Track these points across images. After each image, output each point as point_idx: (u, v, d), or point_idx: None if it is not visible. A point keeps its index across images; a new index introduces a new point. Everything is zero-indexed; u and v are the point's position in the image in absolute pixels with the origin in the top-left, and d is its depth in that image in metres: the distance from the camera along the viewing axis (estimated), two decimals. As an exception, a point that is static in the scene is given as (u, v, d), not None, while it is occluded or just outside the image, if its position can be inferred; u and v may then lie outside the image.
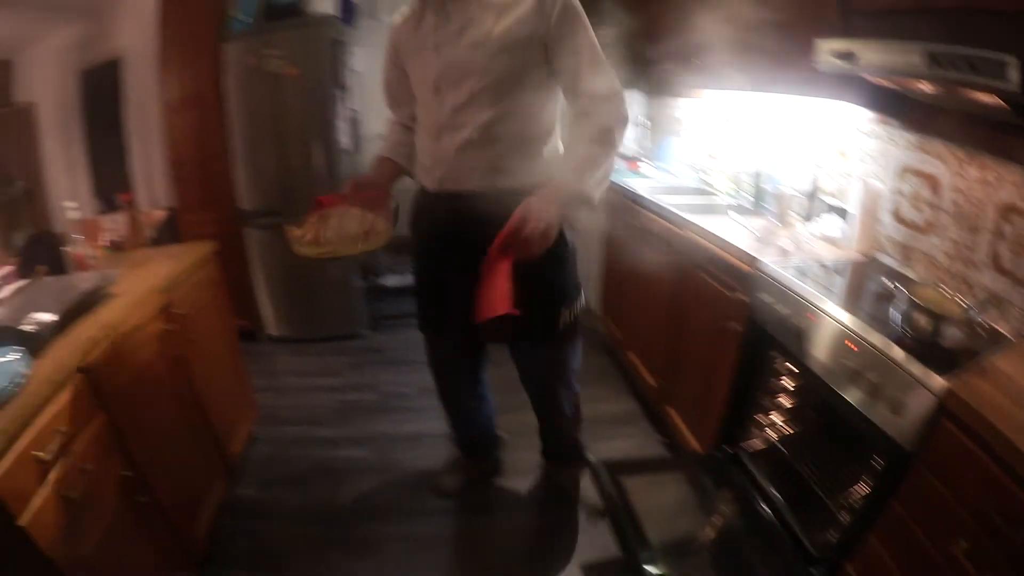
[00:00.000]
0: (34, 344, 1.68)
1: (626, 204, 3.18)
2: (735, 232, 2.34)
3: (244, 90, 3.73)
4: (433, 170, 1.82)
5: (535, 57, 1.65)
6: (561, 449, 2.52)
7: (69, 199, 4.84)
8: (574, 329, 2.02)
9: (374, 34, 3.74)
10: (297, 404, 3.28)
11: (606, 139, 1.62)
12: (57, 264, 2.60)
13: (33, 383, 1.49)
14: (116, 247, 2.68)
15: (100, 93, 4.86)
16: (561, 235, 1.71)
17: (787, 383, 2.04)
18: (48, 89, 4.75)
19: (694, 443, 2.50)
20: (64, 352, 1.68)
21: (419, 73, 1.80)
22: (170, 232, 3.94)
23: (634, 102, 4.04)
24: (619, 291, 3.44)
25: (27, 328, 1.71)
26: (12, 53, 4.69)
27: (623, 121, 1.67)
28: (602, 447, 2.64)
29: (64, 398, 1.55)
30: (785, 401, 2.09)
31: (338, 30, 3.67)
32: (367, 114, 4.15)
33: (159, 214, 4.27)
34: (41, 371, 1.56)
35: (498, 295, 1.40)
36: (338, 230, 1.67)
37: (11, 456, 1.32)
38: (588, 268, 3.76)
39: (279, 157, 3.82)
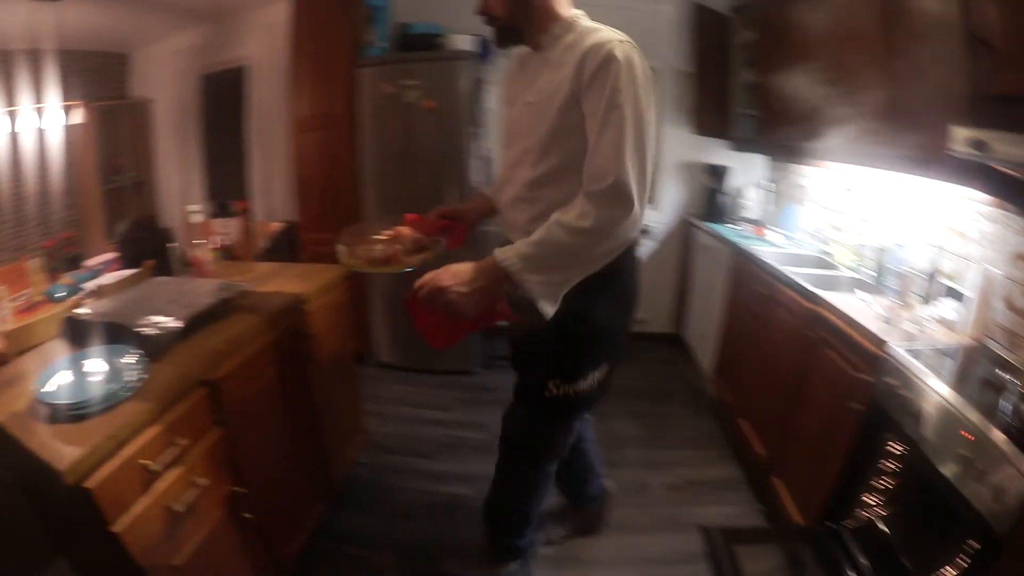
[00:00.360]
0: (153, 349, 1.64)
1: (751, 270, 3.13)
2: (861, 310, 2.31)
3: (378, 116, 3.74)
4: (500, 219, 1.86)
5: (576, 119, 1.50)
6: (489, 527, 2.29)
7: (181, 198, 5.01)
8: (565, 409, 1.80)
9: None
10: (403, 433, 3.22)
11: (573, 231, 1.40)
12: (162, 259, 2.60)
13: (150, 390, 1.48)
14: (227, 252, 2.56)
15: (220, 98, 4.89)
16: (575, 310, 1.56)
17: (893, 464, 2.00)
18: (166, 88, 4.85)
19: (796, 515, 2.45)
20: (187, 362, 1.66)
21: (500, 124, 1.88)
22: (287, 246, 4.05)
23: (756, 165, 4.07)
24: (737, 355, 3.32)
25: (147, 331, 1.67)
26: (129, 48, 4.89)
27: (607, 222, 1.40)
28: (701, 512, 2.61)
29: (182, 409, 1.54)
30: (888, 481, 2.04)
31: (477, 67, 3.62)
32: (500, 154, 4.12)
33: (275, 226, 4.28)
34: (159, 378, 1.54)
35: (428, 331, 1.56)
36: (367, 250, 1.74)
37: (115, 461, 1.31)
38: (705, 329, 3.72)
39: (408, 187, 3.79)
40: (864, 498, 2.09)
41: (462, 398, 3.60)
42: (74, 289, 3.53)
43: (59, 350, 1.80)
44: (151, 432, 1.43)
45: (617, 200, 1.39)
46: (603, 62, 1.40)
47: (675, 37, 3.93)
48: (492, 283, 1.42)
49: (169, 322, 1.72)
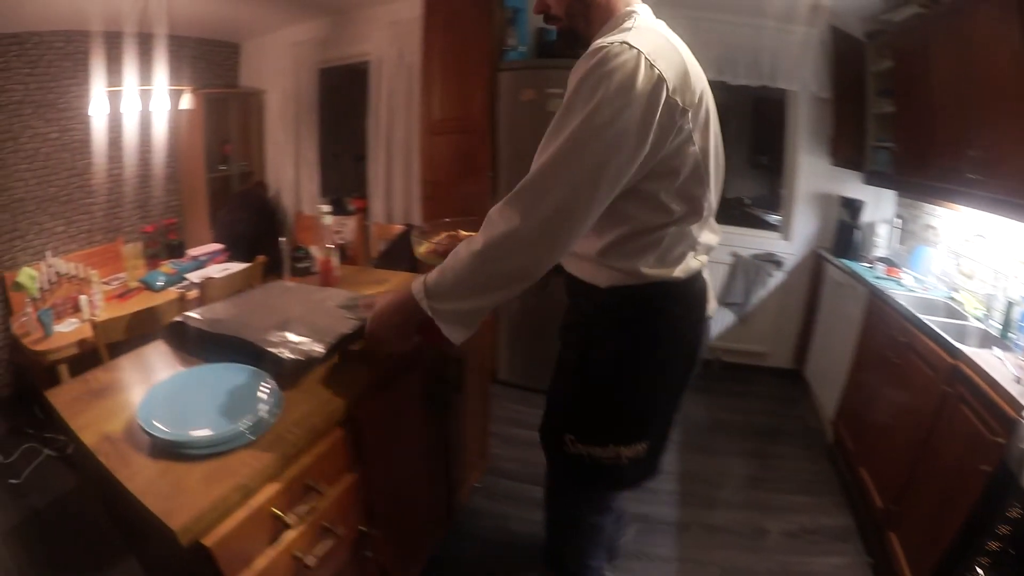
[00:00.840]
0: (287, 375, 1.42)
1: (888, 314, 2.91)
2: (997, 367, 2.16)
3: (516, 123, 3.46)
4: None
5: None
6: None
7: (293, 192, 4.81)
8: (586, 473, 1.59)
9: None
10: (522, 458, 2.99)
11: (468, 255, 1.24)
12: (274, 253, 2.50)
13: (284, 427, 1.28)
14: (341, 252, 2.33)
15: (339, 93, 4.75)
16: (590, 358, 1.45)
17: (1011, 529, 1.89)
18: (280, 79, 4.71)
19: (907, 573, 2.31)
20: (322, 393, 1.44)
21: None
22: (407, 252, 3.68)
23: (887, 200, 3.82)
24: (865, 401, 3.10)
25: (283, 354, 1.43)
26: (241, 38, 4.81)
27: (491, 243, 1.20)
28: (813, 561, 2.49)
29: (321, 449, 1.33)
30: (1003, 545, 1.92)
31: None
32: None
33: (395, 228, 4.04)
34: (295, 413, 1.34)
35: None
36: (434, 242, 1.75)
37: (241, 513, 1.11)
38: (828, 369, 3.51)
39: None
40: (978, 561, 2.00)
41: (583, 424, 3.25)
42: (175, 279, 3.39)
43: (161, 358, 1.63)
44: (288, 474, 1.23)
45: (505, 219, 1.18)
46: (587, 59, 1.16)
47: (811, 60, 3.69)
48: (409, 314, 1.32)
49: (309, 344, 1.48)
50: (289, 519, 1.21)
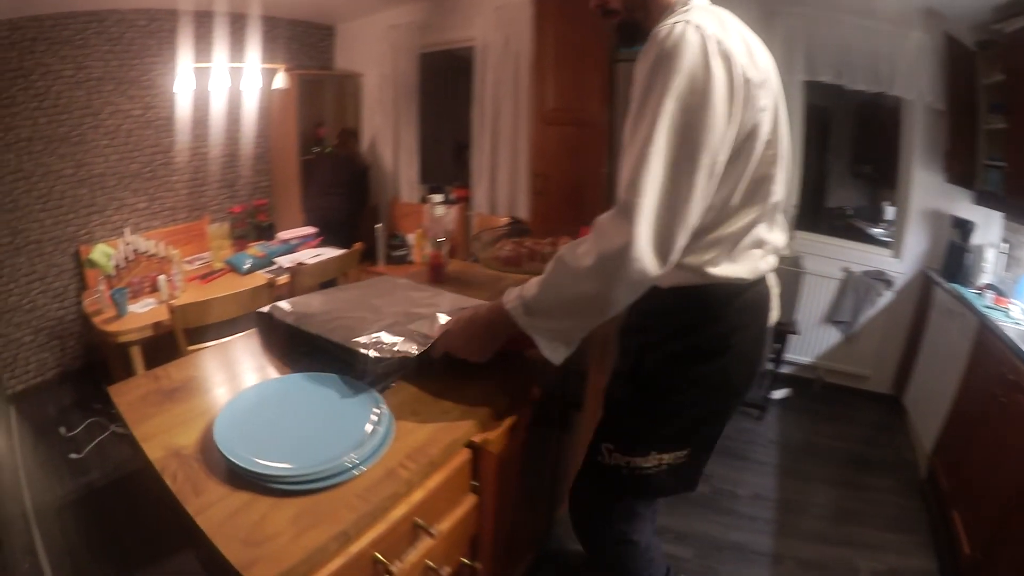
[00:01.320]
0: (372, 375, 1.26)
1: (999, 347, 2.70)
2: None
3: None
4: None
5: None
6: None
7: (391, 177, 4.64)
8: (618, 484, 1.50)
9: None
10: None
11: (574, 273, 1.14)
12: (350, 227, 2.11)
13: (397, 458, 1.07)
14: (437, 242, 2.10)
15: (441, 79, 4.61)
16: (648, 367, 1.35)
17: None
18: (377, 63, 4.56)
19: None
20: (444, 419, 1.24)
21: None
22: None
23: (996, 223, 3.53)
24: (966, 439, 2.89)
25: (373, 354, 1.25)
26: (336, 20, 4.70)
27: (607, 261, 1.08)
28: None
29: (436, 482, 1.11)
30: None
31: None
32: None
33: (499, 221, 3.78)
34: (410, 443, 1.12)
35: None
36: (498, 249, 1.75)
37: (337, 562, 0.90)
38: (930, 399, 3.30)
39: None
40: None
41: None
42: (263, 262, 3.21)
43: (247, 356, 1.45)
44: (392, 517, 1.01)
45: (618, 230, 1.07)
46: (648, 47, 1.11)
47: (926, 68, 3.46)
48: (500, 331, 1.27)
49: (403, 345, 1.31)
50: (394, 568, 1.01)
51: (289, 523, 0.89)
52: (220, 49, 3.81)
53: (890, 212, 3.87)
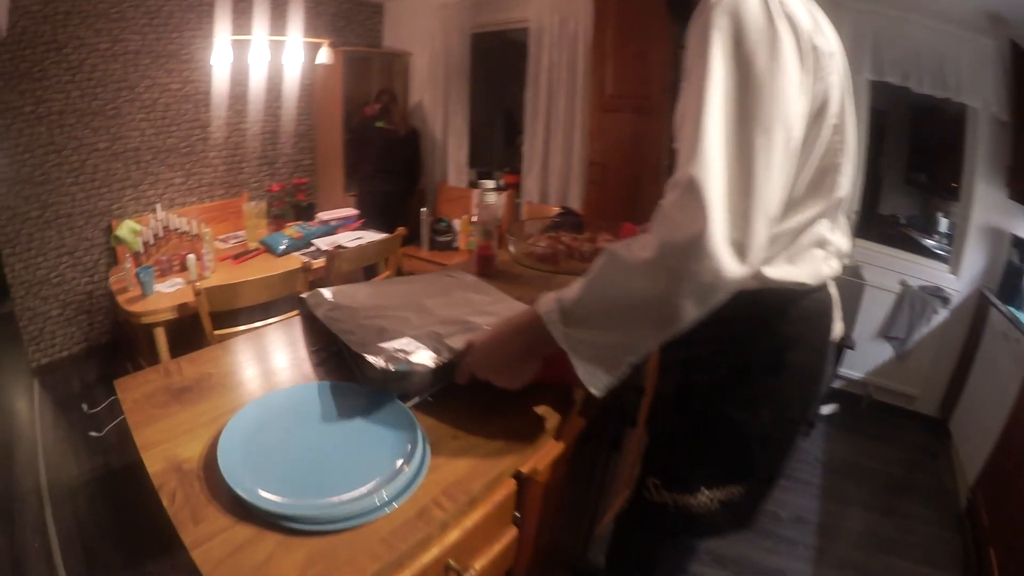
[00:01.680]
0: (380, 385, 1.08)
1: None
2: None
3: None
4: None
5: None
6: None
7: (439, 160, 4.51)
8: (662, 523, 1.33)
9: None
10: None
11: (629, 267, 0.90)
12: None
13: (431, 494, 0.90)
14: (484, 227, 1.91)
15: (493, 60, 4.54)
16: (691, 385, 1.20)
17: None
18: (427, 42, 4.43)
19: None
20: (487, 447, 1.05)
21: None
22: None
23: None
24: (1010, 473, 2.77)
25: (380, 364, 1.05)
26: None
27: (676, 253, 0.84)
28: None
29: (475, 520, 0.93)
30: None
31: None
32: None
33: (550, 210, 3.77)
34: (447, 476, 0.94)
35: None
36: (531, 245, 1.67)
37: None
38: (978, 426, 3.20)
39: None
40: None
41: (730, 456, 3.09)
42: (300, 243, 3.10)
43: (274, 351, 1.30)
44: (423, 561, 0.84)
45: (687, 215, 0.82)
46: (701, 9, 0.90)
47: (992, 76, 3.30)
48: (533, 344, 1.02)
49: (422, 356, 1.11)
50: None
51: (299, 568, 0.74)
52: (261, 22, 3.70)
53: (943, 224, 3.78)
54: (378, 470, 0.87)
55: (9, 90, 2.93)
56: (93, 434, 2.65)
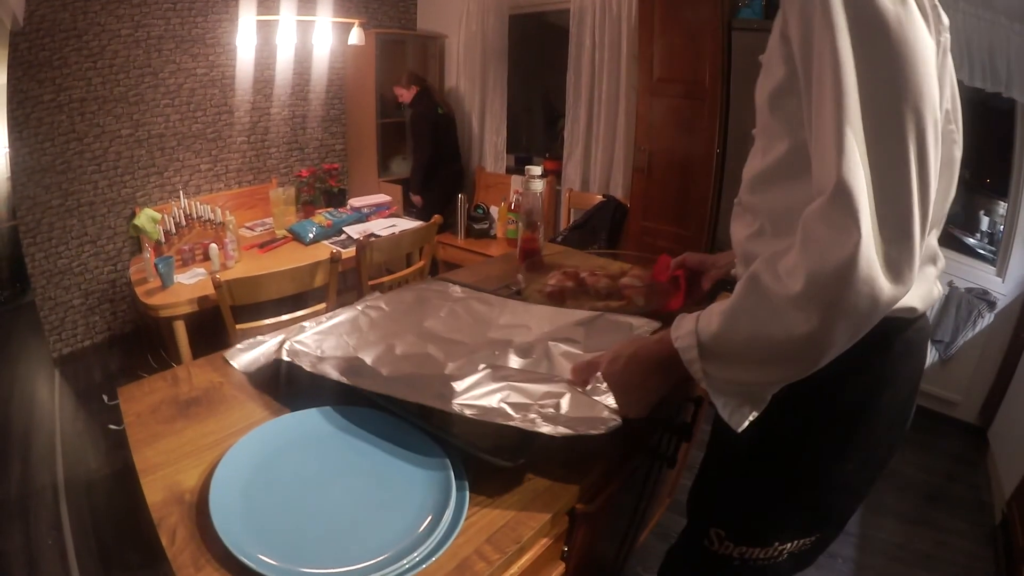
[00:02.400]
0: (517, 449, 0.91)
1: None
2: None
3: (751, 94, 2.87)
4: None
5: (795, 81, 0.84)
6: None
7: (477, 146, 4.40)
8: (726, 572, 1.17)
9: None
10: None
11: (775, 299, 0.75)
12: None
13: (472, 543, 0.78)
14: (528, 218, 1.80)
15: (532, 43, 4.42)
16: (776, 428, 0.97)
17: None
18: (463, 24, 4.32)
19: None
20: (536, 484, 0.93)
21: None
22: (605, 227, 3.56)
23: None
24: None
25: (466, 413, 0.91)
26: None
27: (828, 281, 0.70)
28: None
29: (522, 563, 0.84)
30: None
31: None
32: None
33: (593, 198, 3.70)
34: (492, 522, 0.83)
35: None
36: (543, 282, 1.56)
37: None
38: (1018, 438, 3.19)
39: None
40: None
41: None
42: (330, 231, 3.01)
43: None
44: None
45: (837, 233, 0.68)
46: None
47: None
48: (668, 373, 0.94)
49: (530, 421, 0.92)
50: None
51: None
52: (288, 2, 3.60)
53: (985, 222, 3.65)
54: (406, 521, 0.76)
55: (28, 79, 2.88)
56: (113, 427, 2.60)
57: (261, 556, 0.67)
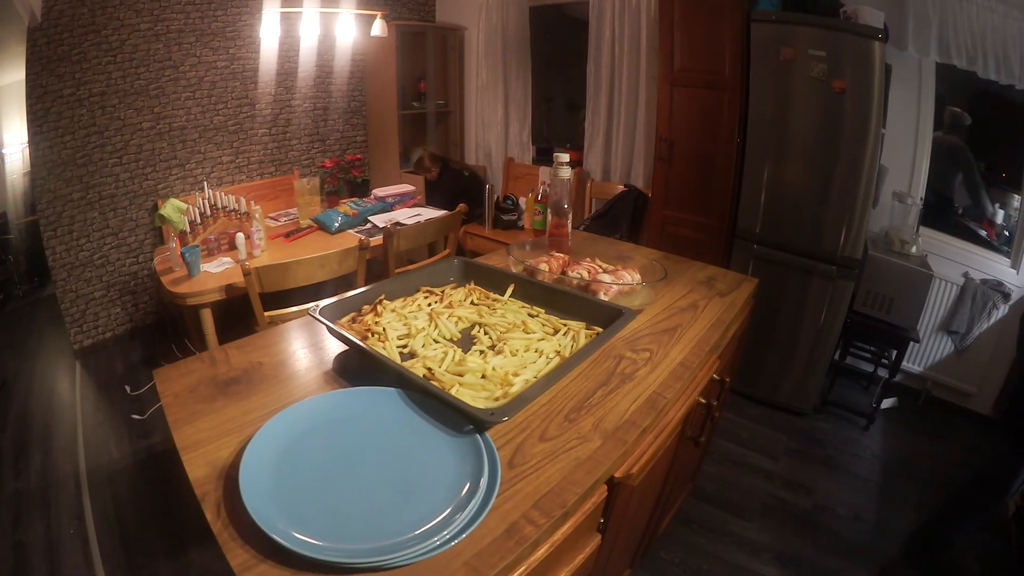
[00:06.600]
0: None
1: None
2: None
3: (767, 85, 2.98)
4: None
5: None
6: None
7: (500, 137, 4.37)
8: None
9: (903, 68, 3.08)
10: (725, 480, 2.79)
11: None
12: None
13: (519, 508, 0.80)
14: (557, 205, 1.79)
15: (553, 34, 4.35)
16: None
17: None
18: (484, 16, 4.30)
19: None
20: (580, 448, 0.96)
21: None
22: (627, 216, 3.57)
23: None
24: None
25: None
26: None
27: None
28: None
29: (566, 531, 0.84)
30: None
31: (884, 51, 2.81)
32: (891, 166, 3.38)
33: (614, 187, 3.67)
34: (538, 485, 0.85)
35: None
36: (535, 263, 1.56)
37: None
38: None
39: (799, 181, 3.02)
40: None
41: (790, 446, 3.18)
42: (355, 221, 2.99)
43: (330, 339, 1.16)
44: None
45: None
46: None
47: None
48: None
49: None
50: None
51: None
52: None
53: (999, 215, 3.62)
54: (451, 495, 0.77)
55: (48, 74, 2.89)
56: (135, 417, 2.60)
57: (296, 535, 0.68)
